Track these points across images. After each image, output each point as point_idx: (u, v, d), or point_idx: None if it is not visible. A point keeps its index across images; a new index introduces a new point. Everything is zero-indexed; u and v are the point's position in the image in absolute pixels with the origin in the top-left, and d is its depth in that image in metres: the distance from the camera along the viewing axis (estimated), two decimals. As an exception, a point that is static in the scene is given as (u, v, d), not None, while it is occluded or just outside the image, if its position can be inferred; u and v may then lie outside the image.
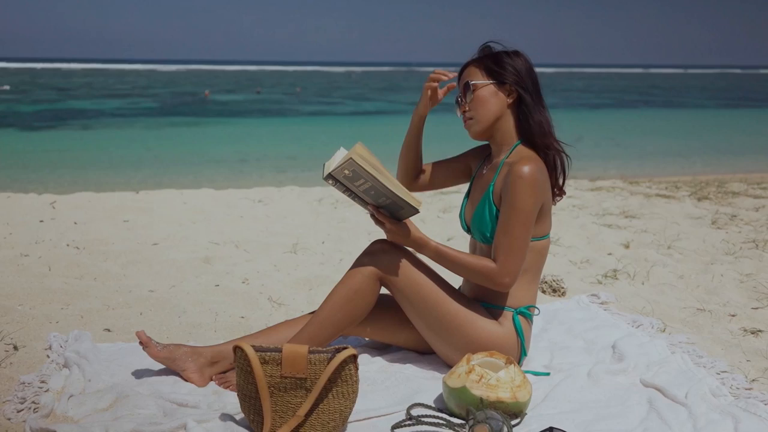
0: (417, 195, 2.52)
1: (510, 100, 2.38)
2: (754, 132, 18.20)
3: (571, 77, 76.65)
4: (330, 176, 2.17)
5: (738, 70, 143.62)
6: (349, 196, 2.27)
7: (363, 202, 2.29)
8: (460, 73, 2.45)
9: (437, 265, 2.42)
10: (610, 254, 4.23)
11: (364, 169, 2.11)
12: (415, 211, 2.25)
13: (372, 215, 2.32)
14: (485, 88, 2.37)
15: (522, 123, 2.38)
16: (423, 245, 2.35)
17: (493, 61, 2.38)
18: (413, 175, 2.66)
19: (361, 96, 34.83)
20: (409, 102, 29.17)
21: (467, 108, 2.40)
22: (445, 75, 2.46)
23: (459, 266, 2.34)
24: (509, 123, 2.40)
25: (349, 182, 2.18)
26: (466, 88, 2.39)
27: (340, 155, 2.19)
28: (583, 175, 8.24)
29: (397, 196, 2.19)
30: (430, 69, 2.54)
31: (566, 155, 2.42)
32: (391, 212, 2.30)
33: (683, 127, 19.56)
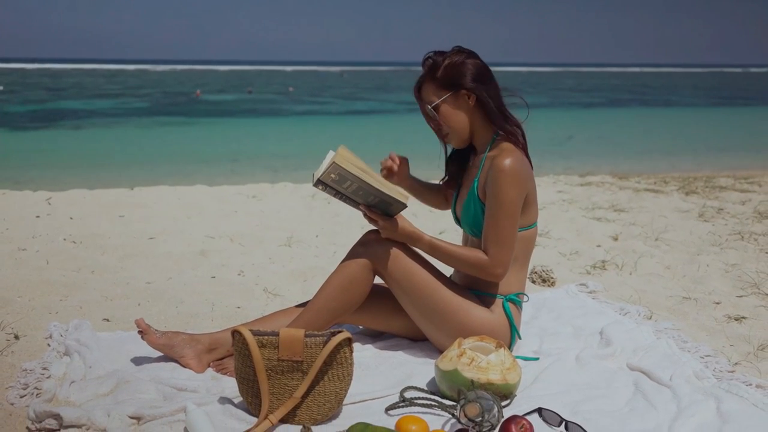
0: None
1: (472, 102, 2.43)
2: (745, 130, 18.34)
3: (562, 76, 76.88)
4: (319, 182, 2.26)
5: (739, 69, 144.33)
6: (340, 198, 2.35)
7: (354, 203, 2.37)
8: (418, 94, 2.49)
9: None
10: (598, 246, 4.31)
11: (348, 171, 2.20)
12: (404, 205, 2.33)
13: (365, 214, 2.39)
14: (445, 102, 2.42)
15: (489, 116, 2.44)
16: (417, 239, 2.42)
17: (441, 74, 2.40)
18: (440, 203, 2.78)
19: (353, 95, 34.88)
20: (399, 101, 29.23)
21: (439, 126, 2.47)
22: (393, 161, 2.58)
23: (452, 258, 2.41)
24: (480, 121, 2.46)
25: (338, 185, 2.27)
26: (430, 110, 2.44)
27: (328, 159, 2.26)
28: (573, 171, 8.33)
29: (384, 193, 2.27)
30: None
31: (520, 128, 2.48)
32: (381, 210, 2.37)
33: (675, 126, 19.69)
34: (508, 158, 2.32)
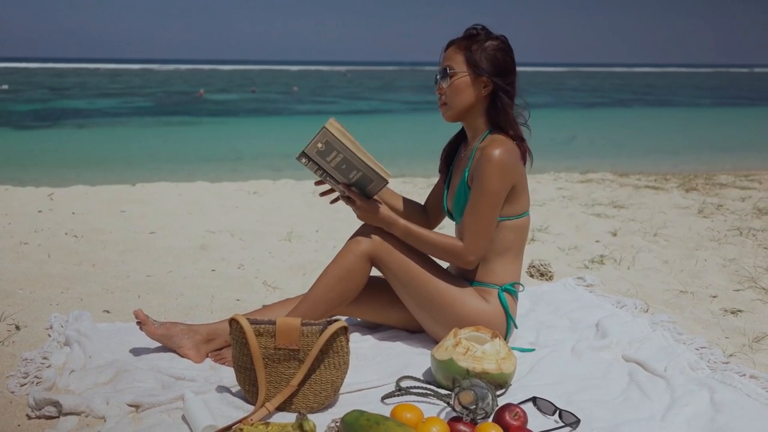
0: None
1: (485, 93, 2.42)
2: (749, 130, 18.30)
3: (566, 76, 76.74)
4: (303, 154, 2.25)
5: (744, 69, 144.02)
6: (320, 175, 2.34)
7: (334, 181, 2.36)
8: (446, 48, 2.48)
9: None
10: (597, 241, 4.32)
11: (336, 138, 2.19)
12: (385, 182, 2.33)
13: (342, 194, 2.39)
14: (462, 78, 2.42)
15: (492, 114, 2.44)
16: (392, 223, 2.42)
17: (475, 50, 2.40)
18: (424, 219, 2.77)
19: (357, 95, 34.89)
20: (402, 101, 29.24)
21: (443, 92, 2.47)
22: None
23: (426, 244, 2.42)
24: (481, 112, 2.46)
25: (321, 158, 2.25)
26: (445, 72, 2.44)
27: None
28: (575, 168, 8.34)
29: (368, 166, 2.26)
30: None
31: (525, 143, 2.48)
32: (361, 189, 2.37)
33: (678, 126, 19.66)
34: (497, 149, 2.33)
